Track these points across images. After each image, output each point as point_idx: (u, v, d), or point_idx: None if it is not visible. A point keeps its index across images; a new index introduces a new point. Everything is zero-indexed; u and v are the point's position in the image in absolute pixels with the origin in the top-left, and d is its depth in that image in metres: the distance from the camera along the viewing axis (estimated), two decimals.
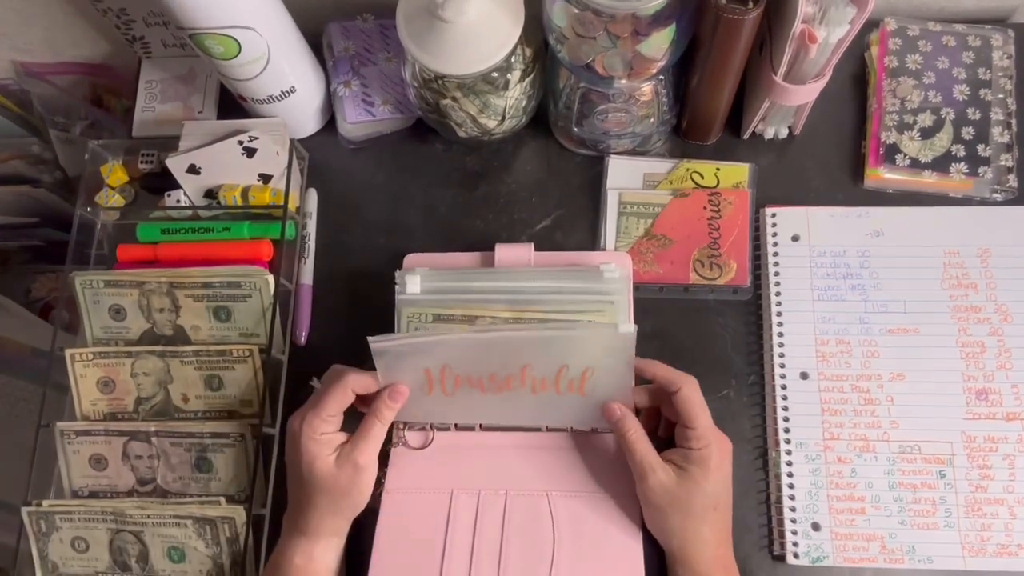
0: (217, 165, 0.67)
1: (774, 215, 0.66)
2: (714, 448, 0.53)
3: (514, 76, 0.61)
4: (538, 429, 0.60)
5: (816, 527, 0.58)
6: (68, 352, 0.65)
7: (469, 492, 0.58)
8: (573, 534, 0.56)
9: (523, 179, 0.70)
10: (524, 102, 0.64)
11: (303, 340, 0.67)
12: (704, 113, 0.65)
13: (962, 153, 0.65)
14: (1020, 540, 0.57)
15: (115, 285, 0.65)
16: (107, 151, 0.71)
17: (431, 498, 0.59)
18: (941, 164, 0.65)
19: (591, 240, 0.67)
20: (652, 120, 0.64)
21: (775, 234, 0.65)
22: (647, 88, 0.60)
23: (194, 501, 0.61)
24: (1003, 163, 0.65)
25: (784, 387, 0.61)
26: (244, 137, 0.67)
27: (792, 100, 0.61)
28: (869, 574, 0.58)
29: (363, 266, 0.69)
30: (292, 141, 0.68)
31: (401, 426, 0.61)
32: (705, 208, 0.66)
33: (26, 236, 0.97)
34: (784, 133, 0.69)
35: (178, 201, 0.68)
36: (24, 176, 0.91)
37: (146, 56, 0.76)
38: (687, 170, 0.68)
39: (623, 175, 0.68)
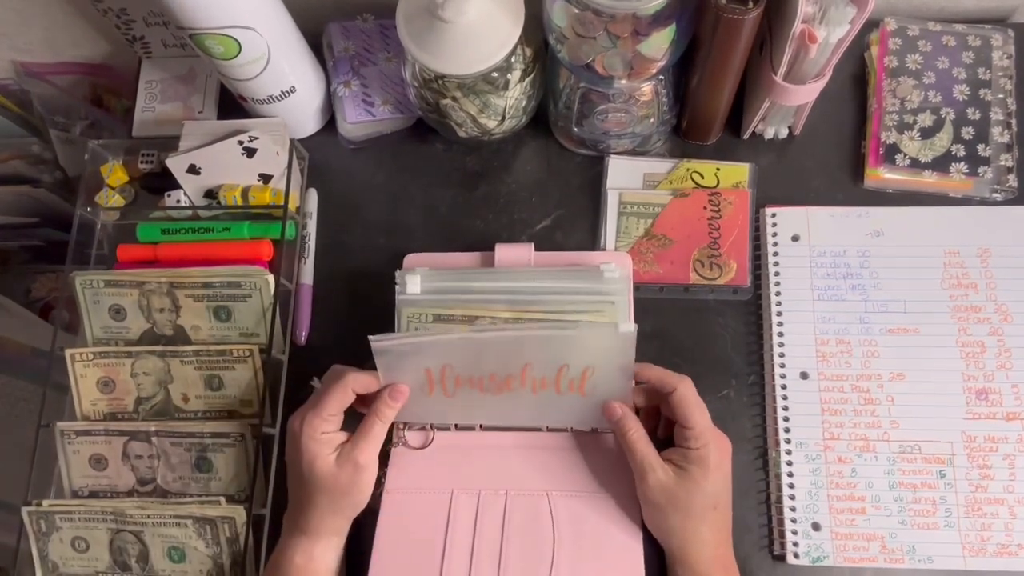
0: (217, 165, 0.67)
1: (774, 215, 0.66)
2: (713, 448, 0.53)
3: (514, 76, 0.61)
4: (538, 429, 0.60)
5: (816, 527, 0.58)
6: (68, 352, 0.65)
7: (469, 492, 0.58)
8: (573, 534, 0.56)
9: (523, 179, 0.70)
10: (524, 102, 0.64)
11: (303, 340, 0.67)
12: (704, 113, 0.65)
13: (962, 153, 0.65)
14: (1020, 540, 0.57)
15: (115, 285, 0.65)
16: (107, 151, 0.71)
17: (431, 498, 0.59)
18: (941, 164, 0.65)
19: (591, 240, 0.67)
20: (652, 120, 0.64)
21: (775, 234, 0.66)
22: (647, 88, 0.60)
23: (194, 501, 0.61)
24: (1003, 163, 0.65)
25: (784, 387, 0.61)
26: (244, 137, 0.67)
27: (792, 100, 0.61)
28: (869, 574, 0.58)
29: (363, 266, 0.69)
30: (292, 141, 0.68)
31: (401, 426, 0.61)
32: (705, 208, 0.66)
33: (26, 236, 0.97)
34: (784, 133, 0.69)
35: (178, 201, 0.68)
36: (24, 176, 0.91)
37: (146, 56, 0.76)
38: (687, 170, 0.68)
39: (623, 175, 0.68)
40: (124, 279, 0.65)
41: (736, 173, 0.67)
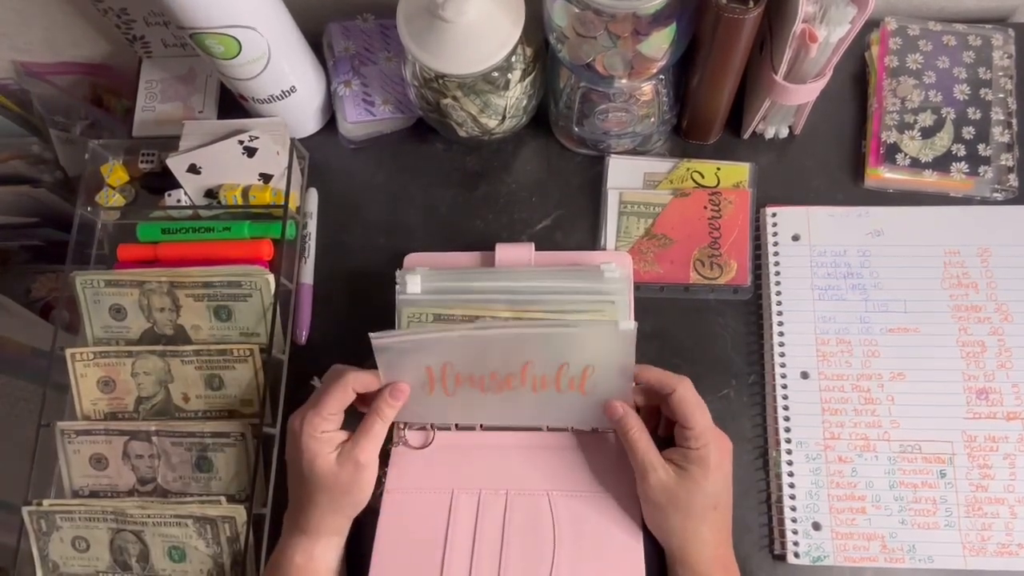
0: (217, 165, 0.67)
1: (774, 215, 0.66)
2: (713, 447, 0.53)
3: (514, 76, 0.61)
4: (539, 429, 0.60)
5: (817, 527, 0.58)
6: (68, 352, 0.65)
7: (470, 492, 0.58)
8: (574, 534, 0.56)
9: (523, 179, 0.70)
10: (524, 102, 0.64)
11: (303, 340, 0.67)
12: (704, 113, 0.65)
13: (962, 153, 0.65)
14: (1021, 539, 0.57)
15: (115, 285, 0.65)
16: (107, 151, 0.71)
17: (432, 498, 0.58)
18: (941, 164, 0.65)
19: (591, 240, 0.67)
20: (652, 120, 0.64)
21: (775, 234, 0.66)
22: (647, 88, 0.60)
23: (195, 501, 0.61)
24: (1003, 163, 0.65)
25: (784, 387, 0.61)
26: (244, 137, 0.67)
27: (792, 100, 0.61)
28: (870, 573, 0.58)
29: (363, 266, 0.69)
30: (292, 141, 0.68)
31: (402, 426, 0.61)
32: (705, 208, 0.66)
33: (26, 236, 0.97)
34: (784, 133, 0.69)
35: (178, 201, 0.68)
36: (24, 176, 0.91)
37: (146, 56, 0.76)
38: (687, 170, 0.68)
39: (623, 175, 0.68)
40: (124, 279, 0.65)
41: (736, 173, 0.67)
